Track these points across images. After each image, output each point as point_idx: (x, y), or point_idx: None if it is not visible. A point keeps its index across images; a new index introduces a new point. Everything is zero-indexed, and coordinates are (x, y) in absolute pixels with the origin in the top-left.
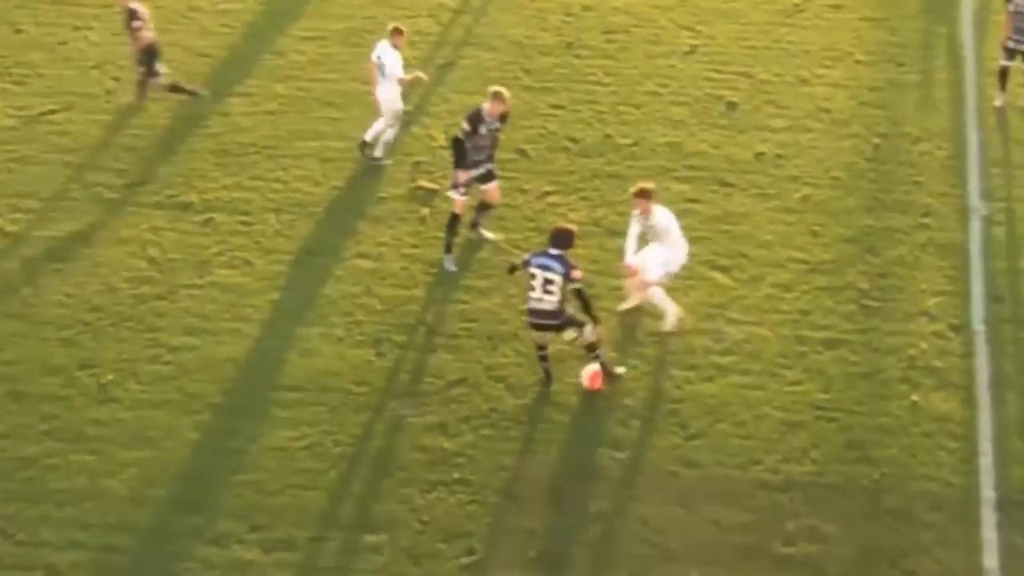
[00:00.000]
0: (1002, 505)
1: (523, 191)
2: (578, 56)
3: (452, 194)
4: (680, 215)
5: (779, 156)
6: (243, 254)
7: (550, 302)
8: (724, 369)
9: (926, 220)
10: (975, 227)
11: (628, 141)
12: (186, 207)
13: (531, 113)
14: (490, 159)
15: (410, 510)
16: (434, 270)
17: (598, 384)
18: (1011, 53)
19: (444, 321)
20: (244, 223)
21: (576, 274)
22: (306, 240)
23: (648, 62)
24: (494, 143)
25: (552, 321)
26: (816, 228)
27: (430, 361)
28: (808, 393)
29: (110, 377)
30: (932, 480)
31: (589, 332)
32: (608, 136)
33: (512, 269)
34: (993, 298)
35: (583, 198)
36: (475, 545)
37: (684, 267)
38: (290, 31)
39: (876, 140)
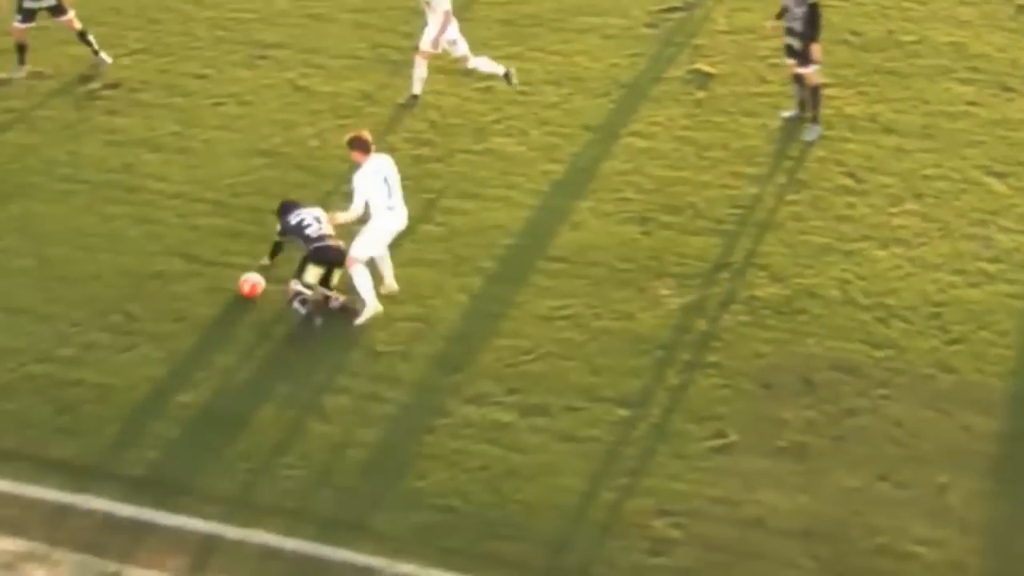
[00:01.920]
0: None
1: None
2: None
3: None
4: (958, 117)
5: None
6: (519, 123)
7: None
8: (991, 276)
9: None
10: None
11: (911, 38)
12: (468, 73)
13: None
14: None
15: (664, 388)
16: (706, 153)
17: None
18: None
19: (712, 205)
20: (523, 93)
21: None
22: (581, 114)
23: None
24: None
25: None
26: None
27: (694, 243)
28: None
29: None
30: None
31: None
32: (891, 32)
33: None
34: None
35: (860, 92)
36: (725, 428)
37: (956, 170)
38: None
39: None
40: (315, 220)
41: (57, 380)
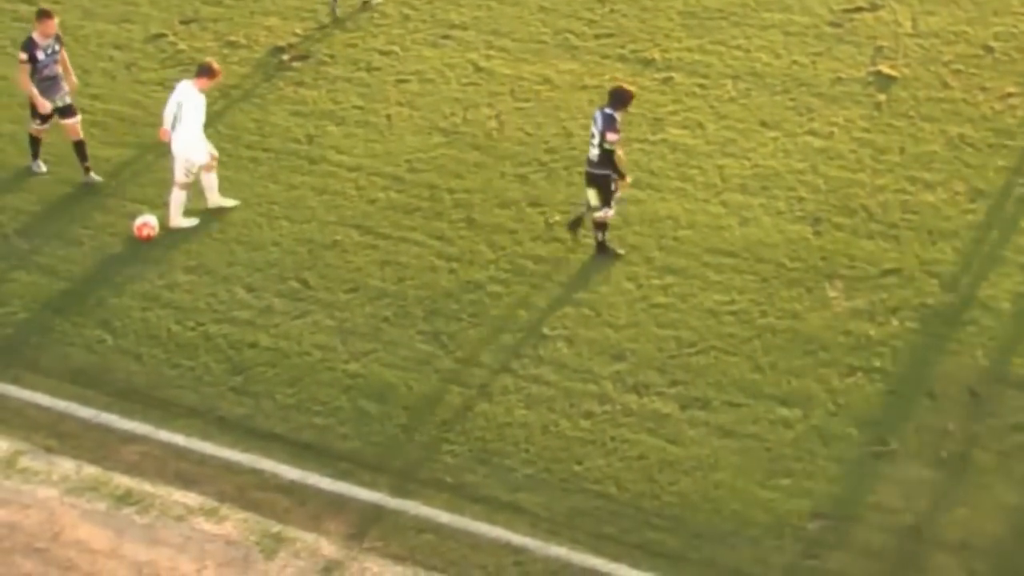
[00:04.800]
0: None
1: (984, 89)
2: None
3: None
4: None
5: None
6: (697, 116)
7: (592, 153)
8: None
9: None
10: None
11: None
12: (648, 63)
13: (1003, 10)
14: None
15: (826, 390)
16: (883, 156)
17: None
18: None
19: (886, 209)
20: (701, 86)
21: (611, 137)
22: (759, 110)
23: None
24: None
25: (590, 169)
26: None
27: (866, 247)
28: None
29: (556, 217)
30: None
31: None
32: None
33: None
34: None
35: None
36: (886, 435)
37: None
38: None
39: None
40: None
41: (233, 341)
